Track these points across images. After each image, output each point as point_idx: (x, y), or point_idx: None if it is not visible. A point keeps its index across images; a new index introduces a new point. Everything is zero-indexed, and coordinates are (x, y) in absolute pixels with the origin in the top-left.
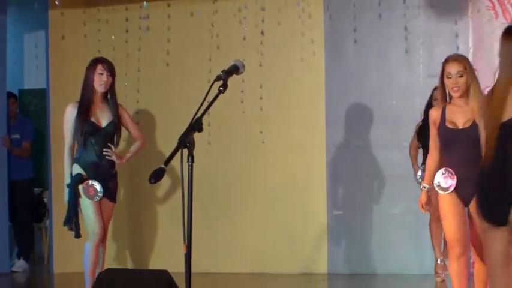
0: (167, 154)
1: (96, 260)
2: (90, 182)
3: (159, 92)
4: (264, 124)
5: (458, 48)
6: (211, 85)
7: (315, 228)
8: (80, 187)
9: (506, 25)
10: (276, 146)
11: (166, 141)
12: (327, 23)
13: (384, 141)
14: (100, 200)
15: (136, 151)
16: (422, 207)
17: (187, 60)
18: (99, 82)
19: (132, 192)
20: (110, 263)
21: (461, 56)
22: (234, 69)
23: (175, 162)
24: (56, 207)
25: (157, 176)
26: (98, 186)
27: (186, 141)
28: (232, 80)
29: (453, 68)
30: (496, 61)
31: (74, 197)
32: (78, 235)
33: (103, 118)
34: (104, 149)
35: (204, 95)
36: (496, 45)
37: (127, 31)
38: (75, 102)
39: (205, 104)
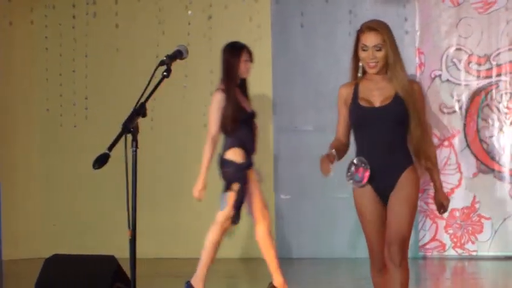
0: (112, 138)
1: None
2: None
3: (107, 77)
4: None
5: (406, 32)
6: (155, 70)
7: None
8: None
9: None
10: None
11: (114, 126)
12: (273, 7)
13: (331, 125)
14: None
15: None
16: None
17: (135, 45)
18: (245, 69)
19: (77, 176)
20: (56, 249)
21: (380, 24)
22: (178, 54)
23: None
24: (5, 194)
25: (101, 161)
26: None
27: (129, 127)
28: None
29: (370, 40)
30: (443, 44)
31: (244, 184)
32: (237, 221)
33: (245, 103)
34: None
35: (148, 80)
36: (443, 28)
37: (74, 17)
38: (219, 90)
39: (150, 89)
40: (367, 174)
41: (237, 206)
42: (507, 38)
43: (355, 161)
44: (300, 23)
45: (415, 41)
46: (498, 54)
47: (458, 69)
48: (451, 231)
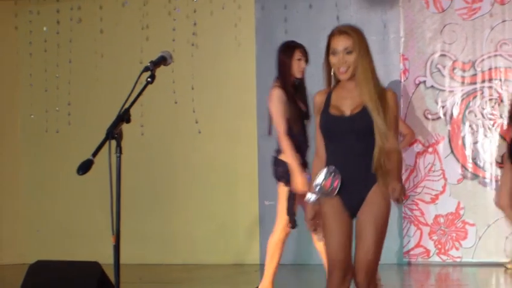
0: (96, 144)
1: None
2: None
3: (91, 83)
4: (196, 114)
5: (389, 37)
6: (139, 76)
7: (247, 219)
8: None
9: (437, 14)
10: (207, 137)
11: (98, 132)
12: (258, 13)
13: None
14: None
15: None
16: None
17: (119, 51)
18: (299, 69)
19: (61, 182)
20: (39, 254)
21: (352, 27)
22: (162, 60)
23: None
24: None
25: (85, 167)
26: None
27: (113, 133)
28: (164, 70)
29: (340, 43)
30: (427, 50)
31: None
32: (294, 225)
33: (300, 103)
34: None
35: (133, 86)
36: (428, 35)
37: (58, 22)
38: (276, 86)
39: (134, 95)
40: (337, 184)
41: (289, 210)
42: (491, 44)
43: (325, 170)
44: (284, 29)
45: (400, 47)
46: (482, 60)
47: (442, 75)
48: (435, 238)
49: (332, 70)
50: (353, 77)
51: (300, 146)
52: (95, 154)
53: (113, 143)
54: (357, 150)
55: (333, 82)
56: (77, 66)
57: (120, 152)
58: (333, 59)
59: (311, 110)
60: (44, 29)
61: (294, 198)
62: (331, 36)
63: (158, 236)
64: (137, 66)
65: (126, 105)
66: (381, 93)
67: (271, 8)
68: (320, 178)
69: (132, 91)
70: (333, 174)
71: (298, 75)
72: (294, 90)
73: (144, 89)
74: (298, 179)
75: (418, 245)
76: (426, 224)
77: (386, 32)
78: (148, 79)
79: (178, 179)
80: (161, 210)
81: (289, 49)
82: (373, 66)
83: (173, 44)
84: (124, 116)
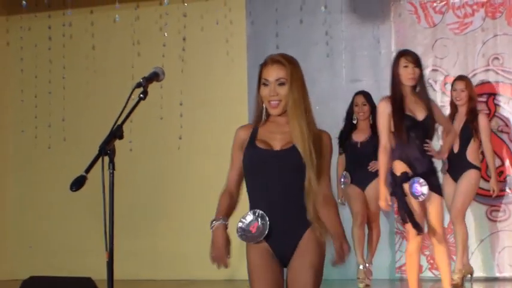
0: (90, 160)
1: (418, 264)
2: (415, 180)
3: (84, 98)
4: (185, 130)
5: (380, 53)
6: (131, 92)
7: None
8: (406, 185)
9: (428, 29)
10: (196, 152)
11: (91, 147)
12: (249, 28)
13: None
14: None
15: (449, 145)
16: None
17: (111, 66)
18: (407, 76)
19: (53, 198)
20: (32, 270)
21: (287, 57)
22: (154, 76)
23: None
24: None
25: (78, 183)
26: (422, 187)
27: (106, 149)
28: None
29: (272, 73)
30: None
31: (402, 196)
32: (421, 230)
33: (418, 112)
34: (424, 144)
35: (125, 102)
36: (419, 50)
37: (50, 38)
38: (386, 97)
39: (126, 111)
40: (264, 229)
41: (409, 218)
42: (483, 58)
43: (250, 214)
44: (275, 44)
45: (391, 63)
46: (475, 75)
47: (434, 90)
48: (427, 253)
49: (263, 104)
50: (285, 112)
51: (409, 159)
52: (87, 170)
53: (106, 159)
54: (287, 189)
55: (263, 117)
56: (70, 82)
57: (113, 168)
58: (264, 91)
59: (433, 116)
60: (35, 45)
61: (405, 207)
62: (263, 66)
63: (150, 251)
64: (129, 82)
65: (119, 122)
66: (316, 133)
67: (262, 24)
68: (245, 222)
69: (124, 107)
70: (260, 217)
71: (407, 82)
72: (414, 99)
73: (136, 105)
74: (382, 197)
75: None
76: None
77: (377, 47)
78: (141, 95)
79: (167, 195)
80: (153, 225)
81: (396, 58)
82: (307, 102)
83: (163, 59)
84: (117, 132)
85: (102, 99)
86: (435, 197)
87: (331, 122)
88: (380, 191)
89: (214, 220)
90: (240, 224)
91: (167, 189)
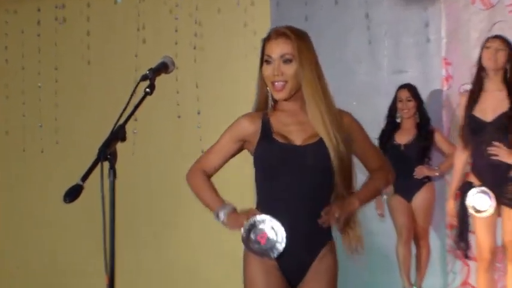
0: (86, 166)
1: None
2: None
3: (80, 93)
4: (201, 130)
5: (428, 39)
6: (136, 86)
7: None
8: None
9: (484, 11)
10: None
11: (88, 151)
12: (273, 11)
13: None
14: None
15: None
16: None
17: (111, 56)
18: (487, 58)
19: (44, 211)
20: None
21: (295, 29)
22: (162, 67)
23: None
24: None
25: (73, 193)
26: (488, 200)
27: (106, 153)
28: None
29: (276, 49)
30: (473, 53)
31: (463, 210)
32: (467, 255)
33: (490, 110)
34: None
35: (128, 98)
36: (473, 35)
37: (39, 23)
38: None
39: (130, 109)
40: (276, 250)
41: (461, 235)
42: None
43: (265, 220)
44: (304, 29)
45: (441, 50)
46: None
47: None
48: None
49: (267, 87)
50: (295, 97)
51: (476, 166)
52: (84, 178)
53: (106, 164)
54: (311, 195)
55: (270, 105)
56: (63, 74)
57: (114, 176)
58: (267, 70)
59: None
60: (22, 31)
61: (464, 223)
62: (266, 41)
63: (155, 268)
64: (132, 75)
65: (121, 121)
66: (337, 118)
67: (289, 5)
68: (256, 226)
69: (127, 104)
70: (275, 231)
71: (487, 63)
72: (484, 93)
73: (141, 102)
74: (449, 210)
75: (465, 283)
76: (474, 259)
77: (425, 33)
78: (147, 90)
79: (177, 206)
80: (158, 240)
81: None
82: (324, 84)
83: (175, 47)
84: (118, 134)
85: (101, 95)
86: (508, 211)
87: (371, 119)
88: (448, 205)
89: (220, 208)
90: (248, 226)
91: (178, 200)
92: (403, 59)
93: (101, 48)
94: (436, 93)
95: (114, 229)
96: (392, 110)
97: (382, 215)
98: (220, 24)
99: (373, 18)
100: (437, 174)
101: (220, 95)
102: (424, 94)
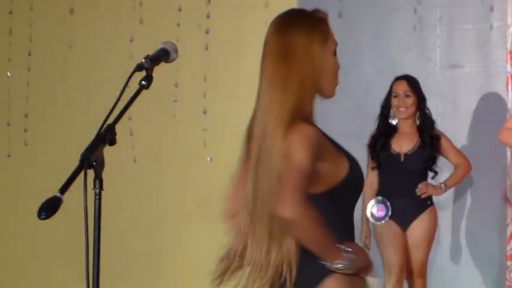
0: (65, 176)
1: None
2: None
3: (59, 85)
4: (209, 133)
5: (491, 26)
6: (129, 77)
7: None
8: None
9: None
10: (223, 164)
11: (68, 157)
12: None
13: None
14: None
15: None
16: None
17: (99, 40)
18: None
19: (14, 229)
20: None
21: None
22: (163, 55)
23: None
24: None
25: (49, 208)
26: None
27: (91, 159)
28: (164, 69)
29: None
30: None
31: None
32: None
33: None
34: None
35: (119, 92)
36: None
37: (11, 13)
38: None
39: (122, 105)
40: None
41: None
42: None
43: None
44: (337, 10)
45: (507, 41)
46: None
47: None
48: None
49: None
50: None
51: None
52: (63, 189)
53: (90, 173)
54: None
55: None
56: (38, 61)
57: (100, 187)
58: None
59: None
60: None
61: None
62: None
63: None
64: (126, 63)
65: (110, 120)
66: None
67: None
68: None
69: (118, 99)
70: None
71: None
72: None
73: (136, 97)
74: None
75: None
76: None
77: (487, 19)
78: (143, 82)
79: (179, 223)
80: (154, 265)
81: None
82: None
83: (177, 30)
84: (106, 136)
85: (85, 87)
86: None
87: None
88: None
89: (342, 260)
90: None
91: (181, 216)
92: (458, 51)
93: (87, 30)
94: (499, 94)
95: (99, 249)
96: (386, 108)
97: (367, 248)
98: (236, 2)
99: (422, 0)
100: (442, 193)
101: (233, 90)
102: (484, 94)
